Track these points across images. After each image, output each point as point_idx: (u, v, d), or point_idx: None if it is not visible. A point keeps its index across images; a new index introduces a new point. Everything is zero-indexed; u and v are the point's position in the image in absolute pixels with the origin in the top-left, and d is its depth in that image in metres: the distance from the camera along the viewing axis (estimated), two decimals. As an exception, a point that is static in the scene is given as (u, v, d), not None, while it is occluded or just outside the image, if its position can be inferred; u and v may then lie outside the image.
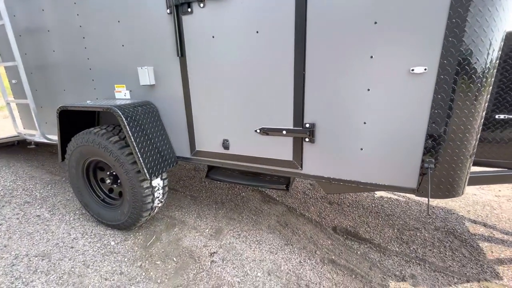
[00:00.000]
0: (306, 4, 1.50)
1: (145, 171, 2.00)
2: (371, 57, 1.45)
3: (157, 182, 2.20)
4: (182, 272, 1.97)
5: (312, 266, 2.00)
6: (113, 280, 1.90)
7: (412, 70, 1.38)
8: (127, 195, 2.17)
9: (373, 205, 2.82)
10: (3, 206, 2.85)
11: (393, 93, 1.46)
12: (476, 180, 1.87)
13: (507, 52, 1.76)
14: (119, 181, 2.33)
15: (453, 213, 2.66)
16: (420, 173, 1.54)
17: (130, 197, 2.14)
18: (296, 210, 2.74)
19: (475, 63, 1.29)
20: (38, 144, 3.96)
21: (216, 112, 1.99)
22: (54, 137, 2.92)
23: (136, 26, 2.07)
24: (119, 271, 1.97)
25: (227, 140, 2.03)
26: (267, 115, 1.82)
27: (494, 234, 2.34)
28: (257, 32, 1.68)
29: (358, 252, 2.15)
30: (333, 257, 2.09)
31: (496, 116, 1.85)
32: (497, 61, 1.33)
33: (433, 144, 1.46)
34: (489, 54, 1.28)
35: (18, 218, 2.63)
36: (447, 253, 2.12)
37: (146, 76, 2.10)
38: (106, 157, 2.13)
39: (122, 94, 2.37)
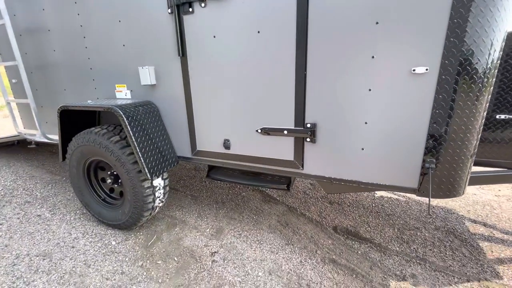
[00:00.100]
0: (308, 4, 1.51)
1: (146, 171, 2.00)
2: (373, 57, 1.45)
3: (158, 182, 2.20)
4: (183, 271, 1.97)
5: (313, 266, 2.00)
6: (114, 279, 1.90)
7: (414, 70, 1.38)
8: (128, 195, 2.17)
9: (373, 205, 2.82)
10: (3, 205, 2.84)
11: (394, 93, 1.46)
12: (476, 180, 1.87)
13: (508, 52, 1.77)
14: (120, 181, 2.34)
15: (453, 213, 2.67)
16: (421, 173, 1.54)
17: (131, 197, 2.14)
18: (297, 210, 2.74)
19: (477, 63, 1.29)
20: (38, 143, 3.95)
21: (217, 112, 1.99)
22: (55, 137, 2.92)
23: (137, 25, 2.07)
24: (120, 271, 1.98)
25: (228, 140, 2.03)
26: (268, 115, 1.82)
27: (494, 234, 2.35)
28: (259, 32, 1.68)
29: (359, 252, 2.15)
30: (333, 257, 2.09)
31: (497, 116, 1.85)
32: (498, 61, 1.33)
33: (434, 144, 1.46)
34: (490, 55, 1.29)
35: (19, 218, 2.63)
36: (447, 253, 2.13)
37: (147, 76, 2.10)
38: (107, 157, 2.13)
39: (123, 94, 2.37)
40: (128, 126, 1.96)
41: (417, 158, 1.53)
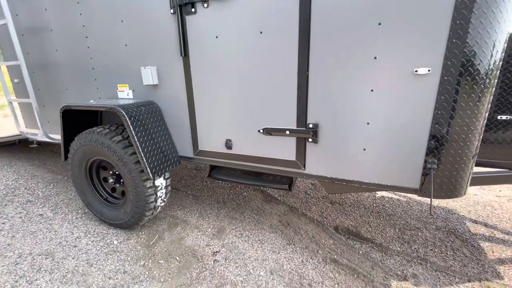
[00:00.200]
0: (310, 4, 1.51)
1: (148, 170, 2.01)
2: (375, 58, 1.45)
3: (160, 181, 2.21)
4: (185, 271, 1.98)
5: (315, 266, 2.01)
6: (116, 279, 1.91)
7: (416, 71, 1.38)
8: (130, 195, 2.18)
9: (374, 205, 2.83)
10: (6, 204, 2.85)
11: (396, 94, 1.47)
12: (477, 180, 1.88)
13: (510, 54, 1.77)
14: (121, 180, 2.34)
15: (454, 213, 2.68)
16: (423, 174, 1.55)
17: (133, 196, 2.15)
18: (298, 210, 2.75)
19: (479, 64, 1.30)
20: (40, 143, 3.96)
21: (219, 112, 2.00)
22: (56, 136, 2.93)
23: (139, 26, 2.07)
24: (123, 270, 1.98)
25: (230, 140, 2.03)
26: (270, 115, 1.83)
27: (495, 234, 2.36)
28: (261, 32, 1.68)
29: (360, 252, 2.16)
30: (335, 257, 2.10)
31: (498, 117, 1.86)
32: (500, 63, 1.34)
33: (436, 144, 1.46)
34: (492, 56, 1.29)
35: (21, 217, 2.64)
36: (448, 253, 2.14)
37: (149, 76, 2.10)
38: (109, 157, 2.14)
39: (125, 94, 2.38)
40: (131, 126, 1.97)
41: (419, 158, 1.53)
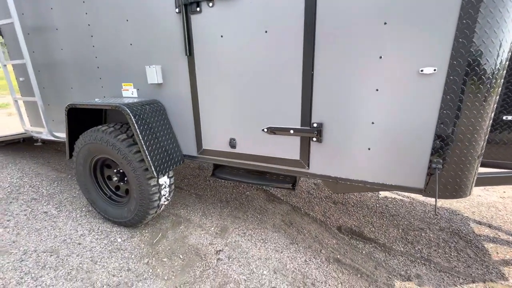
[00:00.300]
0: (316, 3, 1.51)
1: (153, 169, 2.01)
2: (380, 57, 1.45)
3: (164, 180, 2.22)
4: (189, 269, 1.99)
5: (318, 265, 2.01)
6: (120, 276, 1.92)
7: (422, 70, 1.38)
8: (134, 193, 2.19)
9: (377, 205, 2.82)
10: (10, 202, 2.88)
11: (402, 93, 1.47)
12: (482, 181, 1.87)
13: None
14: (126, 178, 2.36)
15: (458, 214, 2.66)
16: (428, 173, 1.55)
17: (137, 194, 2.16)
18: (301, 210, 2.75)
19: (485, 64, 1.29)
20: (44, 141, 3.99)
21: (224, 111, 2.01)
22: (61, 135, 2.95)
23: (144, 25, 2.08)
24: (127, 268, 1.99)
25: (234, 139, 2.04)
26: (275, 114, 1.83)
27: (499, 235, 2.34)
28: (266, 31, 1.69)
29: (363, 252, 2.16)
30: (338, 256, 2.10)
31: (504, 117, 1.85)
32: (507, 62, 1.33)
33: (441, 144, 1.46)
34: (499, 55, 1.29)
35: (25, 215, 2.66)
36: (452, 254, 2.13)
37: (154, 74, 2.11)
38: (113, 155, 2.15)
39: (130, 93, 2.39)
40: (136, 125, 1.98)
41: (424, 158, 1.53)
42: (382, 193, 3.06)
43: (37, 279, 1.89)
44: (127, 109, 1.99)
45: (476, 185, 1.73)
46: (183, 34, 1.93)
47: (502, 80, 1.36)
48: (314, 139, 1.76)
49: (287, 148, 1.88)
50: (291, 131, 1.80)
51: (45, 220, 2.57)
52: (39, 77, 2.89)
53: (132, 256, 2.11)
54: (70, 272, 1.96)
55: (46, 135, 3.12)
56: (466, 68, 1.31)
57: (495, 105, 1.40)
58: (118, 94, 2.47)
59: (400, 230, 2.42)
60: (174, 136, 2.28)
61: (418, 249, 2.19)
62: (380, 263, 2.04)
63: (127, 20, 2.15)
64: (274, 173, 2.11)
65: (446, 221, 2.56)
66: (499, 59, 1.29)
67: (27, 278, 1.90)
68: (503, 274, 1.93)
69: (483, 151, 1.47)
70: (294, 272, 1.95)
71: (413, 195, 2.99)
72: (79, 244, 2.25)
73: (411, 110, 1.47)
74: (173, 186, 2.35)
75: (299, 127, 1.78)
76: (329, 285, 1.84)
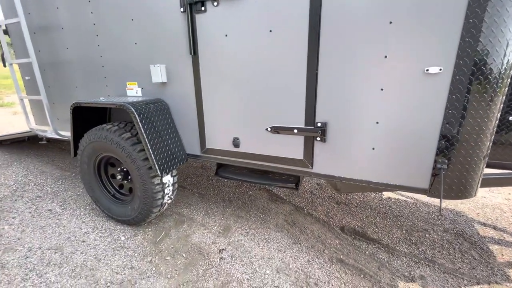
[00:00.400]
0: (321, 2, 1.51)
1: (157, 167, 2.02)
2: (385, 56, 1.45)
3: (168, 178, 2.23)
4: (192, 268, 1.99)
5: (321, 265, 2.01)
6: (124, 274, 1.93)
7: (427, 70, 1.38)
8: (138, 191, 2.20)
9: (381, 206, 2.81)
10: (15, 200, 2.90)
11: (407, 93, 1.46)
12: (487, 182, 1.85)
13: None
14: (129, 177, 2.37)
15: (462, 216, 2.64)
16: (433, 174, 1.54)
17: (141, 193, 2.17)
18: (304, 209, 2.74)
19: (492, 63, 1.28)
20: (49, 140, 4.02)
21: (227, 110, 2.01)
22: (66, 133, 2.97)
23: (149, 24, 2.10)
24: (130, 266, 2.00)
25: (238, 138, 2.04)
26: (279, 113, 1.83)
27: (504, 237, 2.32)
28: (270, 31, 1.69)
29: (367, 252, 2.15)
30: (341, 257, 2.09)
31: (510, 118, 1.83)
32: (514, 62, 1.32)
33: (447, 144, 1.45)
34: (506, 55, 1.28)
35: (30, 212, 2.68)
36: (456, 255, 2.11)
37: (158, 73, 2.12)
38: (118, 153, 2.17)
39: (134, 92, 2.41)
40: (140, 123, 1.99)
41: (429, 158, 1.52)
42: (386, 194, 3.05)
43: (41, 275, 1.91)
44: (131, 108, 2.00)
45: (482, 186, 1.72)
46: (187, 33, 1.94)
47: (509, 80, 1.35)
48: (318, 138, 1.75)
49: (291, 148, 1.87)
50: (295, 131, 1.80)
51: (49, 218, 2.59)
52: (44, 76, 2.92)
53: (136, 254, 2.12)
54: (74, 269, 1.97)
55: (51, 134, 3.14)
56: (472, 68, 1.30)
57: (502, 105, 1.39)
58: (122, 93, 2.49)
59: (404, 231, 2.41)
60: (178, 135, 2.29)
61: (422, 250, 2.17)
62: (384, 264, 2.03)
63: (132, 20, 2.17)
64: (277, 172, 2.11)
65: (451, 222, 2.54)
66: (506, 58, 1.28)
67: (32, 274, 1.92)
68: (509, 276, 1.91)
69: (489, 151, 1.46)
70: (297, 272, 1.95)
71: (416, 196, 2.98)
72: (83, 241, 2.26)
73: (416, 109, 1.47)
74: (176, 185, 2.36)
75: (303, 127, 1.78)
76: (332, 285, 1.83)
